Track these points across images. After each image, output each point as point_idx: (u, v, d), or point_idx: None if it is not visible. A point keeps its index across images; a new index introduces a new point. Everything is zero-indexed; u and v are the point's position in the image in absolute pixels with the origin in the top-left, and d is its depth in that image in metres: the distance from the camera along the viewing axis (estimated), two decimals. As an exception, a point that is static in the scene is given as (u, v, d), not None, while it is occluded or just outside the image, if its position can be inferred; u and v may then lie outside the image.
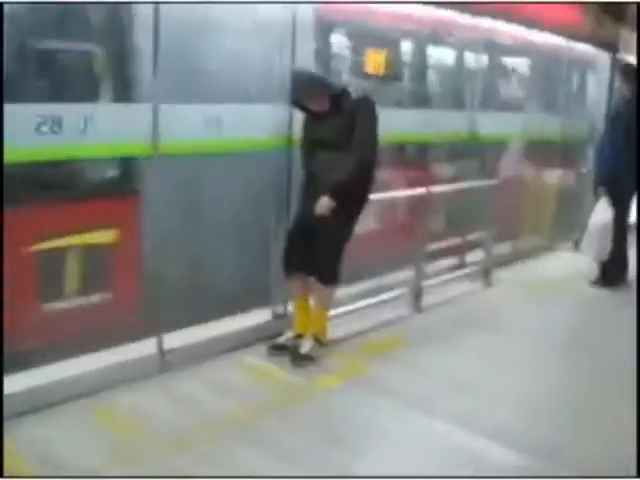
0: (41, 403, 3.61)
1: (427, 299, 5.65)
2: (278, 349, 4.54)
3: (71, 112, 3.77)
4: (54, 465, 3.15)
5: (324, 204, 4.26)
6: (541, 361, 4.72)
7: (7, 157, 3.39)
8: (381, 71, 5.85)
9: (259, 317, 4.87)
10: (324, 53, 5.56)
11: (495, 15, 6.61)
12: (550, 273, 7.08)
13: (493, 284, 6.42)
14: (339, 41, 5.80)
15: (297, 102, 4.50)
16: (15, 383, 3.57)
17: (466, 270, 6.47)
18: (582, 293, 6.47)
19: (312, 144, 4.48)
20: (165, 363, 4.18)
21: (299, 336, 4.56)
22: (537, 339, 5.10)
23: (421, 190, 5.47)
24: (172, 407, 3.78)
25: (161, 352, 4.18)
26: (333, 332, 4.76)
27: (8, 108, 3.36)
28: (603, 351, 4.91)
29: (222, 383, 4.12)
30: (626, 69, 6.66)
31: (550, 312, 5.77)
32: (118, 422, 3.60)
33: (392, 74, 6.14)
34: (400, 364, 4.50)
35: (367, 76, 5.74)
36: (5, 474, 2.88)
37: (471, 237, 6.68)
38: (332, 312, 4.77)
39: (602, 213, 6.33)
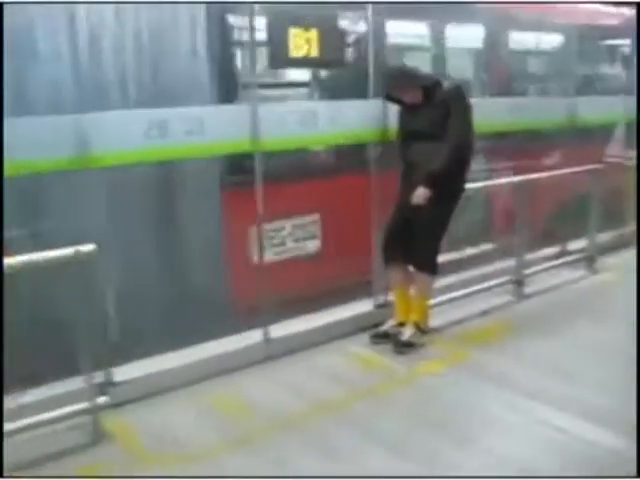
0: (154, 390, 3.88)
1: (530, 287, 5.62)
2: (380, 337, 4.64)
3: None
4: (170, 445, 3.38)
5: (420, 194, 4.33)
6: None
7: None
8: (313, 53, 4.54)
9: (361, 307, 4.99)
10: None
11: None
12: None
13: (599, 271, 6.27)
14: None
15: (391, 95, 4.59)
16: (129, 371, 3.88)
17: (569, 257, 6.35)
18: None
19: (408, 135, 4.56)
20: (271, 351, 4.37)
21: (400, 324, 4.65)
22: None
23: (523, 177, 5.45)
24: (278, 392, 3.96)
25: (267, 341, 4.37)
26: (435, 320, 4.83)
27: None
28: None
29: (326, 370, 4.26)
30: None
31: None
32: (228, 406, 3.80)
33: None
34: (502, 351, 4.51)
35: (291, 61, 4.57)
36: (123, 454, 3.14)
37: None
38: (434, 300, 4.84)
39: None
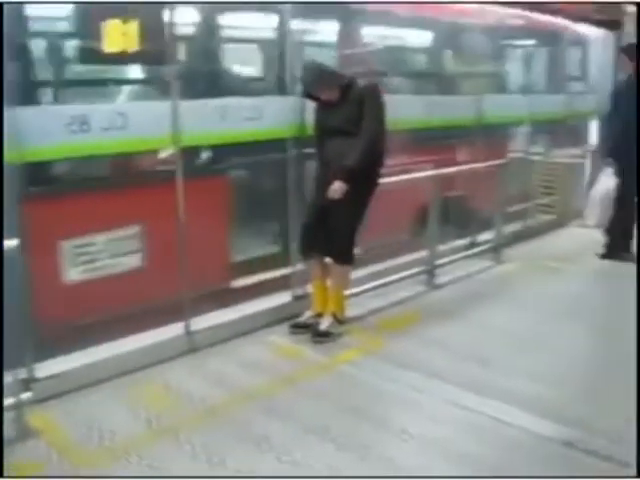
0: (78, 384, 3.91)
1: (440, 277, 5.88)
2: (299, 328, 4.78)
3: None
4: (98, 436, 3.43)
5: (337, 188, 4.48)
6: (548, 331, 4.90)
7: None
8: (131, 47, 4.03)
9: (280, 299, 5.12)
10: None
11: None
12: (559, 248, 7.28)
13: (504, 262, 6.61)
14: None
15: (308, 93, 4.73)
16: (52, 366, 3.89)
17: (477, 249, 6.67)
18: (588, 265, 6.68)
19: (324, 132, 4.71)
20: (193, 343, 4.45)
21: (318, 315, 4.80)
22: (542, 311, 5.31)
23: (431, 172, 5.69)
24: (201, 383, 4.04)
25: (188, 333, 4.45)
26: (351, 310, 5.00)
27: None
28: (608, 320, 5.15)
29: (247, 360, 4.36)
30: (627, 48, 6.88)
31: (556, 285, 5.98)
32: (153, 398, 3.86)
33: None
34: (414, 338, 4.72)
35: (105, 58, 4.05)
36: (49, 449, 3.16)
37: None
38: (350, 291, 5.01)
39: (604, 183, 6.61)
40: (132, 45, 3.97)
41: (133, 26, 3.94)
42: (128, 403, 3.79)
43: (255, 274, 5.34)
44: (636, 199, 6.56)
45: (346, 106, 4.56)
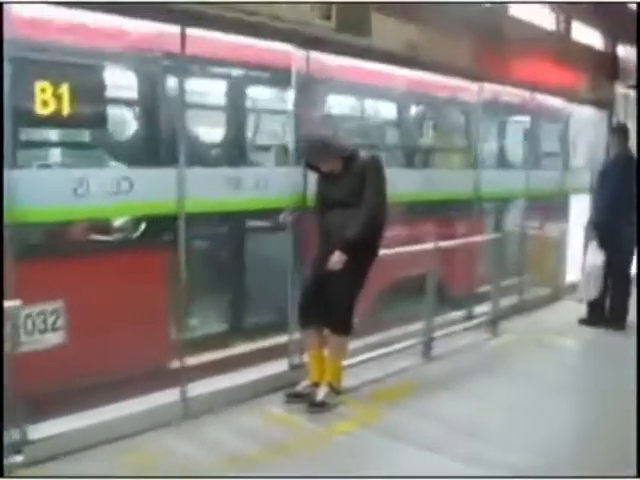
0: (71, 448, 3.84)
1: (437, 350, 5.88)
2: (295, 397, 4.76)
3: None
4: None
5: (337, 259, 4.54)
6: (543, 404, 4.90)
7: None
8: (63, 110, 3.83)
9: (277, 367, 5.11)
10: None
11: (495, 79, 7.01)
12: (555, 321, 7.33)
13: (500, 334, 6.63)
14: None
15: (310, 164, 4.83)
16: (45, 428, 3.83)
17: (474, 321, 6.70)
18: (583, 339, 6.75)
19: (326, 203, 4.79)
20: (188, 410, 4.42)
21: (315, 385, 4.78)
22: (540, 384, 5.32)
23: (429, 245, 5.75)
24: (194, 449, 4.01)
25: (184, 399, 4.43)
26: (347, 381, 4.97)
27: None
28: (605, 391, 5.16)
29: (242, 428, 4.33)
30: (616, 129, 7.33)
31: (552, 358, 6.03)
32: (144, 464, 3.81)
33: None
34: (410, 410, 4.70)
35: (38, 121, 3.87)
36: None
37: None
38: (347, 361, 5.00)
39: (592, 256, 6.88)
40: (64, 108, 3.81)
41: (64, 88, 3.79)
42: (119, 469, 3.73)
43: (201, 353, 4.98)
44: (627, 272, 6.87)
45: (348, 178, 4.65)
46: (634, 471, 3.13)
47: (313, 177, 4.93)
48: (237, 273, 5.60)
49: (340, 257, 4.53)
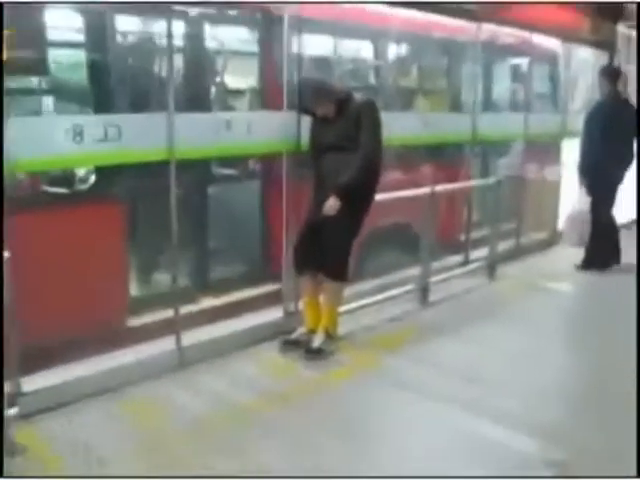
0: (68, 398, 3.83)
1: (434, 295, 5.84)
2: (291, 344, 4.73)
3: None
4: (83, 452, 3.36)
5: (332, 205, 4.45)
6: (540, 350, 4.89)
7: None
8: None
9: (272, 314, 5.06)
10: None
11: (494, 19, 6.83)
12: (551, 266, 7.32)
13: (498, 279, 6.60)
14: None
15: (305, 108, 4.71)
16: (38, 380, 3.80)
17: (471, 266, 6.65)
18: (579, 282, 6.77)
19: (320, 147, 4.68)
20: (183, 358, 4.39)
21: (311, 331, 4.75)
22: (535, 329, 5.33)
23: (425, 189, 5.65)
24: (191, 399, 3.99)
25: (179, 348, 4.39)
26: (344, 327, 4.95)
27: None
28: (601, 337, 5.15)
29: (238, 376, 4.31)
30: (604, 71, 7.12)
31: (549, 303, 6.04)
32: (142, 413, 3.81)
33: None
34: (407, 356, 4.68)
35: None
36: (35, 462, 3.10)
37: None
38: (343, 308, 4.95)
39: (579, 203, 6.93)
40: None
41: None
42: (116, 419, 3.73)
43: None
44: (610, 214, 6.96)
45: (342, 121, 4.54)
46: (634, 471, 3.11)
47: (307, 122, 4.81)
48: (204, 225, 5.37)
49: (335, 202, 4.44)
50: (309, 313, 4.82)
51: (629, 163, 6.94)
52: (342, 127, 4.53)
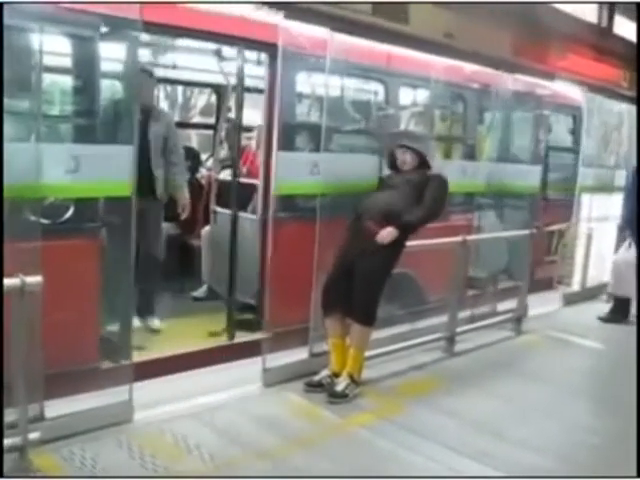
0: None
1: (460, 345, 5.80)
2: (314, 386, 4.70)
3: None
4: None
5: (390, 232, 4.54)
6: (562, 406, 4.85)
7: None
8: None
9: (297, 355, 5.03)
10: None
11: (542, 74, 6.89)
12: (580, 320, 7.25)
13: (525, 332, 6.54)
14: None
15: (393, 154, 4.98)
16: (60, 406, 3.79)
17: (499, 318, 6.59)
18: (607, 339, 6.65)
19: (380, 186, 4.91)
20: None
21: (335, 375, 4.72)
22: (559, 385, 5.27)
23: (456, 238, 5.64)
24: (212, 436, 3.97)
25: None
26: (368, 372, 4.92)
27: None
28: (621, 395, 5.05)
29: (262, 416, 4.29)
30: None
31: (575, 359, 5.98)
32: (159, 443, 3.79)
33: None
34: (431, 406, 4.63)
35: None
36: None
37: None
38: (369, 353, 4.91)
39: (625, 253, 7.17)
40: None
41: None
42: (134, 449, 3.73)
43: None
44: None
45: (410, 177, 4.80)
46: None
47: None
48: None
49: (391, 233, 4.54)
50: (335, 355, 4.79)
51: None
52: (406, 181, 4.76)
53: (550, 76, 7.21)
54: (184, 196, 5.50)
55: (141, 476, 3.20)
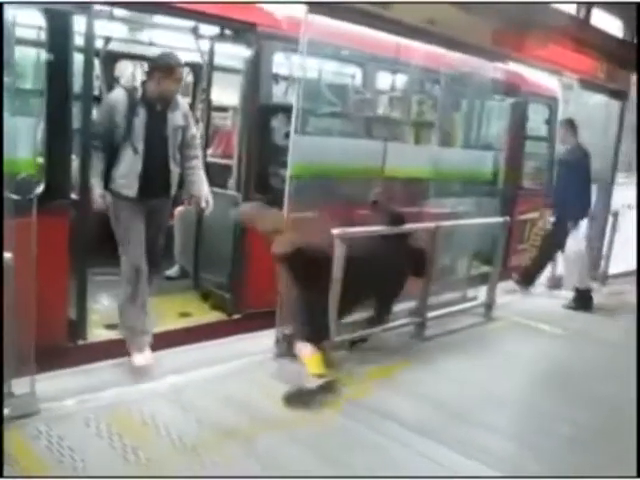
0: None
1: (429, 330, 5.85)
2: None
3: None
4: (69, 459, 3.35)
5: None
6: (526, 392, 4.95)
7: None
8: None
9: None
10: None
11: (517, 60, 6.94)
12: (551, 308, 7.36)
13: (495, 319, 6.62)
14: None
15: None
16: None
17: (469, 304, 6.66)
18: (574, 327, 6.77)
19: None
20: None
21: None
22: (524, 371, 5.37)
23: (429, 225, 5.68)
24: (179, 415, 4.00)
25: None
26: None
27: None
28: (589, 385, 5.14)
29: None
30: (570, 123, 7.60)
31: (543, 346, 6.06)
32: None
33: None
34: (398, 388, 4.70)
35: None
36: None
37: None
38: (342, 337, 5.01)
39: (575, 244, 7.36)
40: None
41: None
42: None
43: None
44: None
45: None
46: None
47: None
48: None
49: None
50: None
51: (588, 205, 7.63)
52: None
53: (528, 65, 7.27)
54: (207, 191, 4.97)
55: (141, 476, 3.21)
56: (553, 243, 7.62)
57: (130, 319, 4.66)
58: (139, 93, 4.59)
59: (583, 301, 7.37)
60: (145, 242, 4.65)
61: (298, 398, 4.41)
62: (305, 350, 4.66)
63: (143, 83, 4.67)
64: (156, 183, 4.64)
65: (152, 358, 4.64)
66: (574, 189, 7.33)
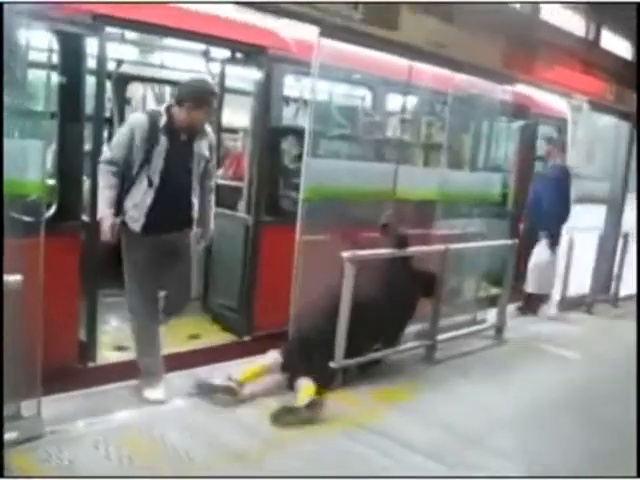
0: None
1: (440, 352, 5.81)
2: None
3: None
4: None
5: None
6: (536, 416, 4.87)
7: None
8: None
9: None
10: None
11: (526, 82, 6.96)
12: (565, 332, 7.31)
13: (506, 342, 6.57)
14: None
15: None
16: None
17: (480, 326, 6.62)
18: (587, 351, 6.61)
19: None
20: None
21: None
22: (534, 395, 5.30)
23: (439, 247, 5.66)
24: (185, 437, 3.95)
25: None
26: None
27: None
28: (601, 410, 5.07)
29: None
30: (556, 141, 8.01)
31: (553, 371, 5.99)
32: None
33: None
34: (407, 411, 4.66)
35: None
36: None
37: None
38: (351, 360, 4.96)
39: (543, 253, 7.53)
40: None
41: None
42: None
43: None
44: None
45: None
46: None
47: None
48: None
49: None
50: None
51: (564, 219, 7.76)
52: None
53: (537, 87, 7.29)
54: (212, 226, 4.75)
55: (143, 476, 3.19)
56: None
57: (144, 360, 4.47)
58: (163, 120, 4.27)
59: (531, 306, 7.72)
60: (168, 284, 4.49)
61: (285, 416, 4.36)
62: (305, 383, 4.62)
63: (168, 109, 4.34)
64: (174, 217, 4.35)
65: (164, 394, 4.42)
66: (548, 201, 7.51)
